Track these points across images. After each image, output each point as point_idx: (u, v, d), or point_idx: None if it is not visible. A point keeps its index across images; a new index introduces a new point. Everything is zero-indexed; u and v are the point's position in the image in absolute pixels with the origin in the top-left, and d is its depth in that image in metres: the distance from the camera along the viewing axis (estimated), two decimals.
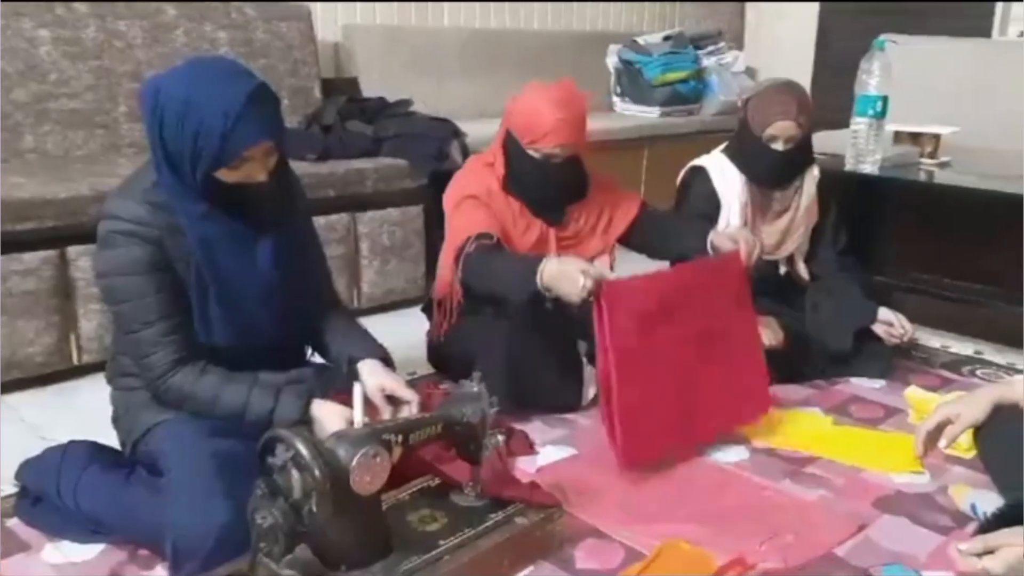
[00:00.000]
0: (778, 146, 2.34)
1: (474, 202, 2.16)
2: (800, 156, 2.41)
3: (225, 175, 1.53)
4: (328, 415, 1.58)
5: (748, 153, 2.40)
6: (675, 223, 2.38)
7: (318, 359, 1.86)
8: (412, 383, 1.86)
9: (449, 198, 2.25)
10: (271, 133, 1.55)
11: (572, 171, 2.18)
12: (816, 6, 4.82)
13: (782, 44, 4.88)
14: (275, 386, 1.62)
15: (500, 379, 1.94)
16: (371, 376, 1.66)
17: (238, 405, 1.58)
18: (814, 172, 2.51)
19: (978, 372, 2.58)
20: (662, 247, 2.37)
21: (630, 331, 1.86)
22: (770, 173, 2.41)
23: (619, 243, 2.36)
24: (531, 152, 2.12)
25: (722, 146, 2.53)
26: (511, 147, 2.16)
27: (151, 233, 1.54)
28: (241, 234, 1.61)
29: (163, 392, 1.59)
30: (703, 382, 1.98)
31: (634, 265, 2.36)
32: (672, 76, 4.35)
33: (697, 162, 2.52)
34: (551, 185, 2.17)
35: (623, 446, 1.86)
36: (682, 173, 2.55)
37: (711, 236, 2.17)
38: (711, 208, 2.44)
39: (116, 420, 1.73)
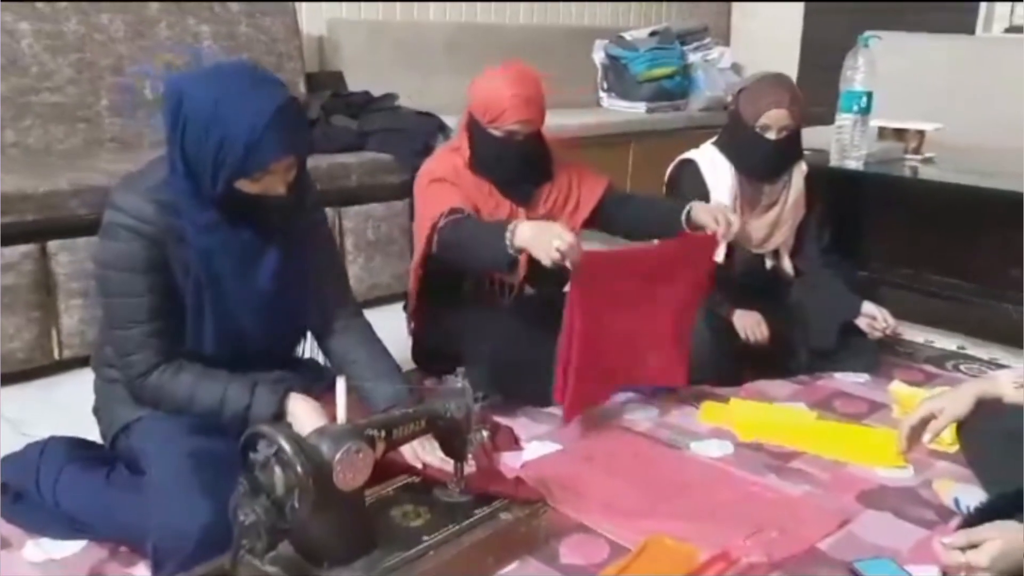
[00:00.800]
0: (771, 135, 2.34)
1: (442, 184, 2.17)
2: (791, 148, 2.42)
3: (245, 186, 1.51)
4: (304, 411, 1.57)
5: (740, 144, 2.41)
6: (646, 202, 2.38)
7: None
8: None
9: (417, 185, 2.25)
10: (296, 148, 1.53)
11: (535, 148, 2.20)
12: (801, 2, 4.82)
13: (767, 40, 4.89)
14: (251, 382, 1.60)
15: (485, 372, 1.93)
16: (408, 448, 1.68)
17: (214, 402, 1.57)
18: (802, 167, 2.52)
19: (961, 367, 2.59)
20: (635, 227, 2.36)
21: (598, 298, 1.97)
22: (763, 163, 2.41)
23: (588, 227, 2.34)
24: (492, 131, 2.13)
25: (712, 139, 2.54)
26: (474, 129, 2.18)
27: (152, 232, 1.52)
28: (245, 246, 1.59)
29: (139, 390, 1.58)
30: (640, 341, 2.12)
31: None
32: (658, 72, 4.35)
33: (687, 155, 2.52)
34: (515, 163, 2.18)
35: (570, 403, 2.01)
36: (671, 166, 2.55)
37: (691, 207, 2.18)
38: (701, 200, 2.44)
39: (97, 410, 1.72)
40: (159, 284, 1.54)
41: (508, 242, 1.89)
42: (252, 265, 1.61)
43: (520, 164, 2.19)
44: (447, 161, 2.23)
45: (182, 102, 1.47)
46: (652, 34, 4.45)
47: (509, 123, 2.11)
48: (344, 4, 3.72)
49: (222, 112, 1.44)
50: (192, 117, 1.46)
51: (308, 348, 1.86)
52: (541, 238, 1.85)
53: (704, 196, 2.43)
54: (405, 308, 2.39)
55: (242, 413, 1.56)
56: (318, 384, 1.73)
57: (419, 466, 1.68)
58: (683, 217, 2.18)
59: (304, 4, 3.51)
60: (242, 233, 1.58)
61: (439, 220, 2.06)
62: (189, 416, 1.58)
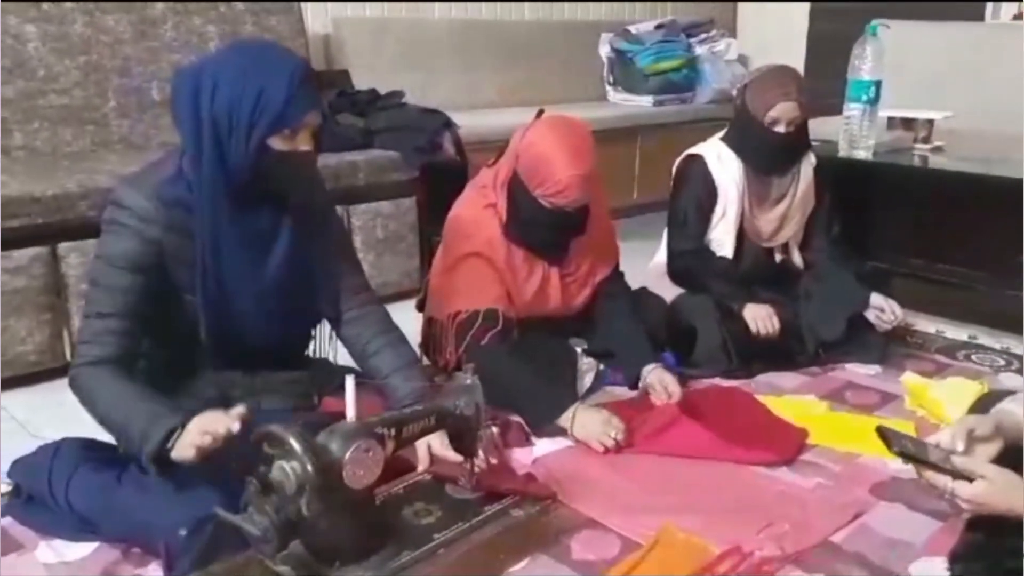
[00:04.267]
0: (780, 128, 2.33)
1: (479, 262, 2.10)
2: (800, 140, 2.41)
3: (277, 143, 1.53)
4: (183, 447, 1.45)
5: (749, 138, 2.39)
6: (622, 321, 2.25)
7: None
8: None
9: (451, 243, 2.17)
10: (320, 106, 1.60)
11: (581, 214, 2.11)
12: None
13: (774, 31, 4.86)
14: (158, 413, 1.49)
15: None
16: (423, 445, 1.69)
17: (118, 421, 1.52)
18: (811, 158, 2.51)
19: (973, 357, 2.58)
20: (600, 336, 2.28)
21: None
22: (773, 157, 2.40)
23: None
24: (542, 201, 2.03)
25: (719, 134, 2.52)
26: (518, 193, 2.07)
27: (151, 232, 1.53)
28: (256, 234, 1.61)
29: (73, 379, 1.57)
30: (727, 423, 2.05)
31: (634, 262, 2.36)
32: (665, 65, 4.33)
33: (694, 150, 2.51)
34: (559, 231, 2.12)
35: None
36: (678, 161, 2.54)
37: (648, 371, 2.13)
38: (708, 196, 2.44)
39: None
40: (139, 285, 1.55)
41: (567, 428, 1.96)
42: (263, 254, 1.62)
43: (562, 231, 2.13)
44: (482, 225, 2.13)
45: (202, 76, 1.50)
46: (658, 27, 4.44)
47: (561, 200, 2.01)
48: (348, 3, 3.72)
49: (260, 67, 1.50)
50: (224, 79, 1.49)
51: (319, 347, 1.86)
52: (597, 431, 1.93)
53: (711, 190, 2.43)
54: (418, 307, 2.38)
55: (135, 444, 1.48)
56: (329, 383, 1.73)
57: (425, 466, 1.68)
58: (640, 373, 2.14)
59: (309, 3, 3.51)
60: (253, 221, 1.59)
61: (471, 322, 2.06)
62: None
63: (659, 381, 2.10)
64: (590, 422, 1.95)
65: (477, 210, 2.16)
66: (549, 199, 2.02)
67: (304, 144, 1.57)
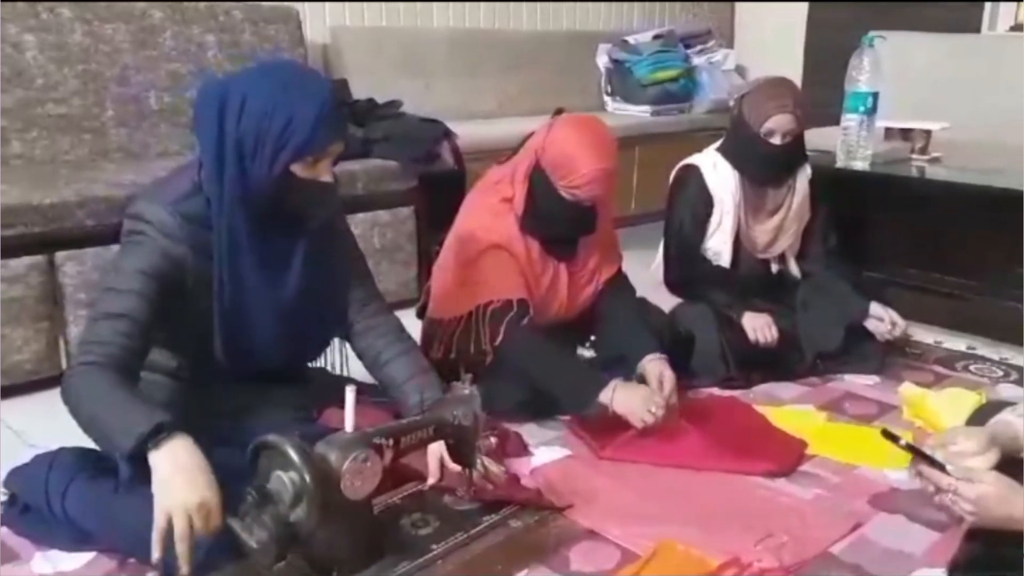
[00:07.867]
0: (776, 140, 2.34)
1: (501, 254, 2.10)
2: (796, 152, 2.42)
3: (300, 169, 1.53)
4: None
5: (745, 150, 2.40)
6: (624, 319, 2.24)
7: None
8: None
9: (467, 233, 2.16)
10: (346, 135, 1.61)
11: (594, 212, 2.13)
12: (805, 3, 4.81)
13: (771, 42, 4.87)
14: (149, 410, 1.40)
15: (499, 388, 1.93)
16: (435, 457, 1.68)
17: (103, 418, 1.41)
18: (806, 170, 2.52)
19: (971, 367, 2.57)
20: (602, 335, 2.31)
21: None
22: (768, 168, 2.40)
23: None
24: (563, 192, 2.04)
25: (715, 144, 2.53)
26: (539, 185, 2.08)
27: (174, 249, 1.53)
28: (272, 252, 1.61)
29: (64, 381, 1.46)
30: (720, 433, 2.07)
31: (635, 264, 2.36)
32: (662, 75, 4.35)
33: (689, 160, 2.52)
34: (574, 223, 2.13)
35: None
36: (674, 172, 2.55)
37: (648, 360, 2.11)
38: (704, 205, 2.44)
39: None
40: (154, 294, 1.51)
41: (607, 403, 1.97)
42: (280, 272, 1.62)
43: (577, 225, 2.14)
44: (500, 219, 2.13)
45: (228, 94, 1.50)
46: (655, 37, 4.45)
47: (585, 193, 2.04)
48: (347, 9, 3.73)
49: (290, 94, 1.49)
50: (253, 99, 1.48)
51: (323, 358, 1.86)
52: (639, 406, 1.95)
53: (707, 201, 2.43)
54: (418, 315, 2.38)
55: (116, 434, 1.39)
56: (328, 394, 1.73)
57: (436, 478, 1.66)
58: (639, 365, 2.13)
59: (307, 8, 3.51)
60: (271, 239, 1.59)
61: (508, 309, 2.06)
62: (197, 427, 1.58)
63: (656, 372, 2.08)
64: (632, 396, 1.97)
65: (495, 203, 2.17)
66: (573, 191, 2.04)
67: (325, 172, 1.57)
